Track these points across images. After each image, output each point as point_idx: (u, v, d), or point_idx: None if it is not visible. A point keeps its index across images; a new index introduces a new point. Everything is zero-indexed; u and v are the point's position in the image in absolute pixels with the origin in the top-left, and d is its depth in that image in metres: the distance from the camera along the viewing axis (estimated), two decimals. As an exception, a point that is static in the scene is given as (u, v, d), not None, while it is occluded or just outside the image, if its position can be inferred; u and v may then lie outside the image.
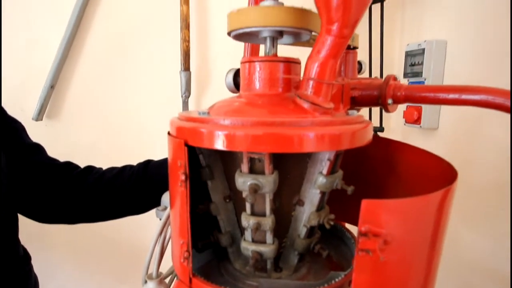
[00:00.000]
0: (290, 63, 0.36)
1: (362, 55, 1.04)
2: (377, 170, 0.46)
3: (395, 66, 1.13)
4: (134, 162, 1.03)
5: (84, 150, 1.00)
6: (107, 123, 1.01)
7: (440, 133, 0.95)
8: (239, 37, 0.38)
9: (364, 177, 0.45)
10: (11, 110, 0.55)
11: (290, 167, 0.34)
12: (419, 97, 0.41)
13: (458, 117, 0.90)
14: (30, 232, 0.63)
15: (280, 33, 0.36)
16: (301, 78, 0.34)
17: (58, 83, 0.97)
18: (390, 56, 1.12)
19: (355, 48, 0.53)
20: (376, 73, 1.07)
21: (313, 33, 0.36)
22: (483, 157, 0.80)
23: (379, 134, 1.05)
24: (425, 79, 0.96)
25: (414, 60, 0.99)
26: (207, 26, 1.01)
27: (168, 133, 0.35)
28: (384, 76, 1.05)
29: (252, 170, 0.31)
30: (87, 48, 0.97)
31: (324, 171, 0.33)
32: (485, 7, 0.79)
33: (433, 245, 0.30)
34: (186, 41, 0.97)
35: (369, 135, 0.34)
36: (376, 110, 1.04)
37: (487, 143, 0.79)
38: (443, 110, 0.95)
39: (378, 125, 1.04)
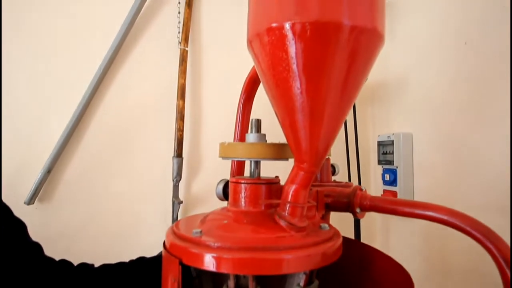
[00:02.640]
0: (271, 185, 0.43)
1: (339, 145, 1.15)
2: (351, 270, 0.51)
3: (370, 154, 1.24)
4: (122, 245, 1.04)
5: (72, 233, 1.01)
6: (98, 207, 1.03)
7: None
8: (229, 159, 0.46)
9: (340, 276, 0.49)
10: (4, 192, 0.58)
11: (272, 281, 0.39)
12: (381, 208, 0.48)
13: (431, 200, 0.98)
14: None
15: (262, 159, 0.44)
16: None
17: (55, 167, 1.02)
18: (366, 145, 1.24)
19: (327, 157, 0.62)
20: (353, 159, 1.18)
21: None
22: (454, 243, 0.85)
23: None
24: (396, 167, 1.06)
25: (385, 149, 1.11)
26: (201, 117, 1.12)
27: (164, 244, 0.40)
28: (360, 165, 1.15)
29: (237, 285, 0.36)
30: (89, 134, 1.05)
31: (301, 283, 0.38)
32: (442, 107, 0.93)
33: None
34: (180, 130, 1.07)
35: (339, 251, 0.39)
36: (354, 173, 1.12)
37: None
38: (416, 196, 1.03)
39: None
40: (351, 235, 1.09)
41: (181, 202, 1.05)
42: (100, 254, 0.89)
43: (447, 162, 0.91)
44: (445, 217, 0.41)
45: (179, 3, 1.11)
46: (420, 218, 0.44)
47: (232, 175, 0.59)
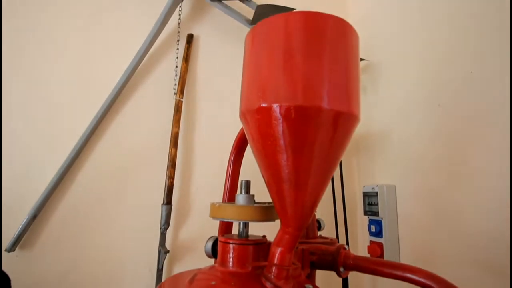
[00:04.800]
0: (259, 245, 0.45)
1: (326, 195, 1.18)
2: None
3: (357, 204, 1.27)
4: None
5: (53, 281, 0.97)
6: (82, 255, 1.01)
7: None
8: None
9: None
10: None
11: None
12: (363, 268, 0.50)
13: (416, 253, 0.99)
14: None
15: (251, 219, 0.46)
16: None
17: (41, 213, 1.01)
18: (352, 195, 1.28)
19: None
20: (339, 210, 1.20)
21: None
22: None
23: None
24: (381, 218, 1.09)
25: (370, 200, 1.14)
26: (192, 165, 1.15)
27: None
28: (347, 215, 1.18)
29: None
30: (79, 180, 1.05)
31: None
32: (421, 161, 0.99)
33: None
34: (171, 178, 1.09)
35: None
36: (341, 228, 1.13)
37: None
38: (402, 250, 1.05)
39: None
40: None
41: (168, 251, 1.03)
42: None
43: (428, 215, 0.95)
44: (422, 280, 0.44)
45: (177, 58, 1.19)
46: (399, 280, 0.46)
47: (221, 229, 0.60)
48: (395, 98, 1.13)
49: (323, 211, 1.22)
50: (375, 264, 0.49)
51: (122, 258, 1.04)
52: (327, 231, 0.77)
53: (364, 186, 1.18)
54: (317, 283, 0.55)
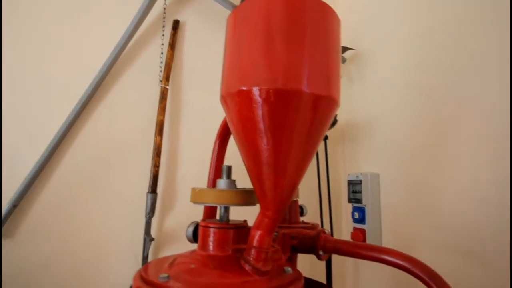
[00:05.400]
0: (239, 229, 0.45)
1: (311, 183, 1.20)
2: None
3: (342, 191, 1.29)
4: (89, 283, 0.99)
5: (34, 270, 0.96)
6: (65, 243, 1.00)
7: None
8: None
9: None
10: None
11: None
12: (342, 250, 0.51)
13: (397, 240, 1.02)
14: None
15: (232, 204, 0.47)
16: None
17: (22, 201, 0.99)
18: (337, 182, 1.30)
19: (296, 199, 0.66)
20: (325, 197, 1.22)
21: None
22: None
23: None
24: (365, 206, 1.11)
25: (355, 188, 1.16)
26: (177, 153, 1.14)
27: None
28: (332, 202, 1.20)
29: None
30: (62, 166, 1.03)
31: (264, 328, 0.39)
32: (404, 150, 1.01)
33: None
34: (156, 166, 1.08)
35: (299, 295, 0.41)
36: (326, 215, 1.15)
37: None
38: (384, 236, 1.07)
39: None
40: (323, 278, 1.10)
41: (153, 239, 1.03)
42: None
43: (410, 202, 0.97)
44: (398, 261, 0.45)
45: (163, 44, 1.17)
46: (377, 261, 0.48)
47: (205, 215, 0.60)
48: (381, 87, 1.14)
49: (309, 198, 1.24)
50: (354, 247, 0.50)
51: (107, 246, 1.03)
52: (312, 219, 0.79)
53: (348, 174, 1.20)
54: (300, 268, 0.57)
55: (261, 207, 0.42)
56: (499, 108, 0.71)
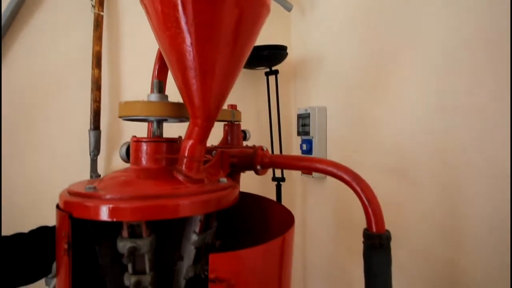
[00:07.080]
0: (172, 143, 0.45)
1: (264, 117, 1.21)
2: (254, 220, 0.57)
3: (292, 126, 1.33)
4: (31, 221, 0.97)
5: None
6: (7, 184, 0.94)
7: (328, 181, 1.14)
8: (131, 120, 0.46)
9: (244, 226, 0.55)
10: None
11: (171, 228, 0.41)
12: (278, 163, 0.54)
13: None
14: None
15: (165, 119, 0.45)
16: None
17: None
18: (288, 117, 1.32)
19: (237, 121, 0.66)
20: (276, 132, 1.25)
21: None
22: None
23: (282, 183, 1.20)
24: (312, 137, 1.16)
25: (304, 121, 1.20)
26: (120, 87, 1.07)
27: (57, 206, 0.40)
28: (282, 136, 1.23)
29: (132, 235, 0.37)
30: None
31: (197, 230, 0.41)
32: (350, 83, 1.04)
33: (279, 280, 0.40)
34: (96, 101, 1.01)
35: (231, 199, 0.43)
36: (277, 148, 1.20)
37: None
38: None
39: (281, 176, 1.20)
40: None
41: (99, 176, 1.01)
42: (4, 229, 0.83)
43: (353, 131, 1.03)
44: (326, 167, 0.48)
45: (91, -39, 1.01)
46: (309, 170, 0.51)
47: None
48: (332, 20, 1.13)
49: (261, 132, 1.26)
50: (288, 159, 0.53)
51: (52, 184, 0.99)
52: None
53: (298, 109, 1.23)
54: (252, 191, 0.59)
55: (191, 116, 0.41)
56: (441, 38, 0.73)
